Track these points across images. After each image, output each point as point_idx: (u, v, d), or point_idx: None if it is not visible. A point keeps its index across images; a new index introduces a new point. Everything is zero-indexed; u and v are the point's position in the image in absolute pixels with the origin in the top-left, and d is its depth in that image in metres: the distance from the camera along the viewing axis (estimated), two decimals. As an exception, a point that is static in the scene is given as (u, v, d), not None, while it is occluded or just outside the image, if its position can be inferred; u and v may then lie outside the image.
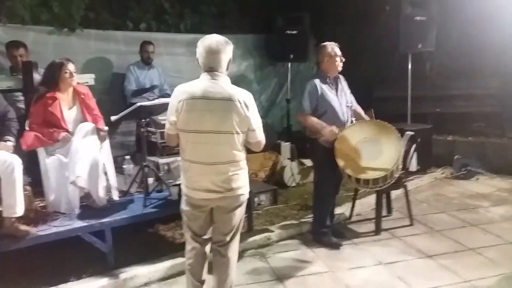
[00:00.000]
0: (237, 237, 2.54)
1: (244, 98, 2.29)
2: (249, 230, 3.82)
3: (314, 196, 3.79)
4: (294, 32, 6.17)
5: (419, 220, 4.18)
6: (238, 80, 5.26)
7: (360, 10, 6.34)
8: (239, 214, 2.48)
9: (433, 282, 3.04)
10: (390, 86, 6.53)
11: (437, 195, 5.06)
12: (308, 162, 5.29)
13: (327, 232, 3.71)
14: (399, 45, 5.72)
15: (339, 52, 3.52)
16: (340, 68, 3.56)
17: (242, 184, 2.40)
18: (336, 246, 3.65)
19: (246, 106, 2.27)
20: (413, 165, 4.86)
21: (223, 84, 2.29)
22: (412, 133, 4.04)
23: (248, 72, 6.58)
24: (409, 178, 4.70)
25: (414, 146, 4.00)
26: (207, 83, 2.28)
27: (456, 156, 5.75)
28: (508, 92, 5.94)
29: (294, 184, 5.16)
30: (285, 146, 5.48)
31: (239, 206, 2.45)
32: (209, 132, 2.26)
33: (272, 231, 3.86)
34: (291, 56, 6.30)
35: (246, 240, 3.63)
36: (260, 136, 2.40)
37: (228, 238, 2.49)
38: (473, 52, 5.98)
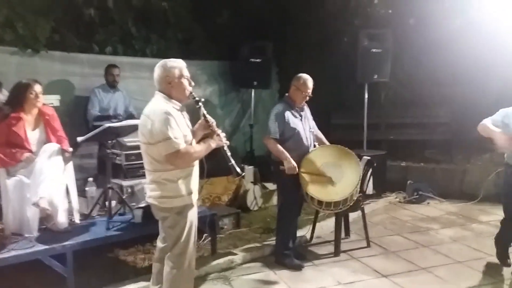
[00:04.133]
0: (177, 251, 2.63)
1: (150, 112, 2.50)
2: (213, 253, 3.86)
3: (278, 219, 3.90)
4: (258, 60, 6.40)
5: (375, 242, 4.38)
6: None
7: (320, 41, 6.67)
8: (167, 225, 2.62)
9: (389, 300, 3.21)
10: (347, 113, 6.84)
11: (392, 218, 5.31)
12: (270, 186, 5.42)
13: (289, 254, 3.81)
14: (356, 75, 6.06)
15: (310, 88, 3.71)
16: (304, 102, 3.77)
17: (156, 195, 2.57)
18: (298, 268, 3.75)
19: (152, 120, 2.45)
20: (370, 189, 5.11)
21: (152, 100, 2.58)
22: (369, 157, 4.28)
23: (213, 97, 6.71)
24: (366, 202, 4.93)
25: (370, 171, 4.24)
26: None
27: (408, 181, 6.08)
28: (457, 121, 6.38)
29: (256, 208, 5.25)
30: (248, 170, 5.58)
31: (163, 218, 2.63)
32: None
33: (235, 254, 3.91)
34: (255, 83, 6.51)
35: (210, 263, 3.67)
36: (165, 150, 2.45)
37: (168, 248, 2.67)
38: (425, 83, 6.41)
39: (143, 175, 2.76)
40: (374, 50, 5.89)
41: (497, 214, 4.57)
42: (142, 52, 5.88)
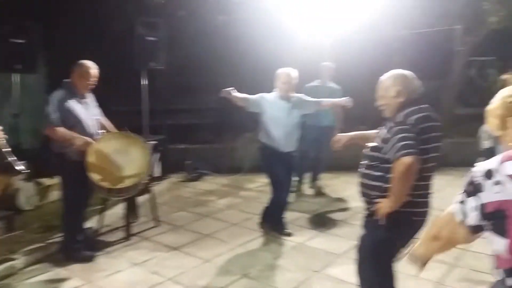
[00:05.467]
0: None
1: None
2: (-16, 263, 3.41)
3: (64, 213, 3.73)
4: (22, 41, 5.67)
5: (163, 220, 4.70)
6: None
7: (95, 26, 6.43)
8: None
9: (182, 268, 3.58)
10: (126, 100, 6.88)
11: (176, 196, 5.76)
12: (46, 181, 5.02)
13: (79, 248, 3.71)
14: (133, 62, 6.13)
15: (94, 76, 3.61)
16: (89, 89, 3.67)
17: None
18: (89, 259, 3.71)
19: None
20: (156, 172, 5.38)
21: None
22: (156, 142, 4.52)
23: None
24: (152, 184, 5.17)
25: (157, 155, 4.49)
26: None
27: (187, 162, 6.66)
28: (224, 106, 7.27)
29: (31, 207, 4.80)
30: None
31: None
32: None
33: (14, 259, 3.56)
34: (17, 66, 5.76)
35: (-16, 274, 3.24)
36: None
37: None
38: (197, 71, 7.05)
39: None
40: (149, 38, 6.03)
41: (259, 181, 5.58)
42: None
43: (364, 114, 4.98)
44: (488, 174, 1.27)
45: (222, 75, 7.08)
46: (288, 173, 4.21)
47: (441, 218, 1.46)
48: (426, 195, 2.37)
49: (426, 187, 2.35)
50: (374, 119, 2.67)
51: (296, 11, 6.53)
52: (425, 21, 7.49)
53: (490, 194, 1.25)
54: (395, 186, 2.20)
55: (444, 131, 2.44)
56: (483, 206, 1.27)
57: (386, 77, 2.42)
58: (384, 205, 2.26)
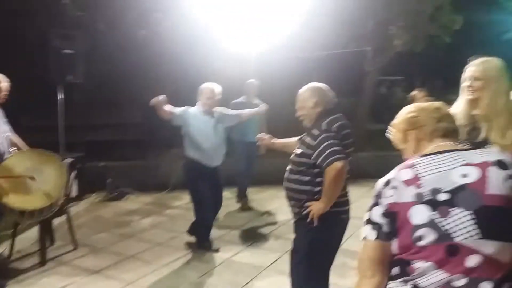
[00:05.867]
0: None
1: None
2: None
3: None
4: None
5: (83, 243, 4.42)
6: None
7: (6, 37, 5.97)
8: None
9: (103, 293, 3.40)
10: (40, 115, 6.44)
11: (96, 217, 5.46)
12: None
13: (-15, 277, 3.37)
14: (48, 76, 5.77)
15: (5, 89, 3.36)
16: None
17: None
18: (-3, 289, 3.38)
19: None
20: (73, 191, 5.06)
21: None
22: (72, 159, 4.27)
23: None
24: (69, 205, 4.86)
25: (73, 173, 4.24)
26: None
27: (108, 180, 6.36)
28: (148, 121, 7.09)
29: None
30: None
31: None
32: None
33: None
34: None
35: None
36: None
37: None
38: (119, 85, 6.81)
39: None
40: (66, 50, 5.75)
41: (185, 199, 5.49)
42: None
43: (286, 128, 5.18)
44: (387, 183, 1.37)
45: (145, 89, 6.92)
46: (215, 189, 4.21)
47: (361, 256, 1.40)
48: (347, 194, 2.61)
49: (346, 187, 2.59)
50: (296, 133, 2.84)
51: (220, 26, 6.65)
52: (340, 43, 8.05)
53: (387, 198, 1.34)
54: (328, 189, 2.38)
55: (359, 146, 2.68)
56: (383, 211, 1.34)
57: (304, 90, 2.64)
58: (316, 208, 2.42)
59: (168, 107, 3.90)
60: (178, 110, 4.02)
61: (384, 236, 1.34)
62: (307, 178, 2.47)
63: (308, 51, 8.22)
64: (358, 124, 8.04)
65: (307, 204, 2.46)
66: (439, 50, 9.38)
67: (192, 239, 4.34)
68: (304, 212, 2.48)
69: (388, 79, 11.55)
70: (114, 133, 7.16)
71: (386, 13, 7.22)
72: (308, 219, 2.45)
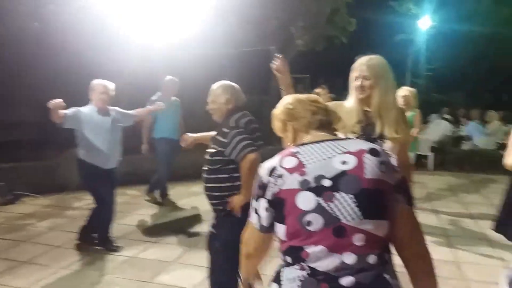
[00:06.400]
0: None
1: None
2: None
3: None
4: None
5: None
6: None
7: None
8: None
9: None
10: None
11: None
12: None
13: None
14: None
15: None
16: None
17: None
18: None
19: None
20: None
21: None
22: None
23: None
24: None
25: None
26: None
27: (0, 183, 5.85)
28: (45, 121, 6.62)
29: None
30: None
31: None
32: None
33: None
34: None
35: None
36: None
37: None
38: (10, 81, 6.27)
39: None
40: None
41: (88, 199, 5.27)
42: None
43: (200, 124, 5.23)
44: (271, 172, 1.45)
45: (41, 87, 6.49)
46: (111, 189, 4.12)
47: (245, 234, 1.57)
48: None
49: None
50: (208, 128, 2.94)
51: (126, 20, 6.46)
52: (248, 41, 8.29)
53: (273, 187, 1.42)
54: (246, 181, 2.50)
55: (266, 140, 2.84)
56: (269, 201, 1.43)
57: (217, 86, 2.77)
58: (237, 200, 2.56)
59: (62, 111, 3.67)
60: (69, 112, 3.78)
61: (265, 229, 1.48)
62: (225, 175, 2.58)
63: (217, 48, 8.33)
64: (265, 121, 8.35)
65: (229, 199, 2.58)
66: (338, 49, 10.10)
67: (92, 240, 4.19)
68: (227, 208, 2.59)
69: (292, 77, 12.08)
70: (7, 133, 6.58)
71: (287, 14, 7.59)
72: (233, 213, 2.56)
